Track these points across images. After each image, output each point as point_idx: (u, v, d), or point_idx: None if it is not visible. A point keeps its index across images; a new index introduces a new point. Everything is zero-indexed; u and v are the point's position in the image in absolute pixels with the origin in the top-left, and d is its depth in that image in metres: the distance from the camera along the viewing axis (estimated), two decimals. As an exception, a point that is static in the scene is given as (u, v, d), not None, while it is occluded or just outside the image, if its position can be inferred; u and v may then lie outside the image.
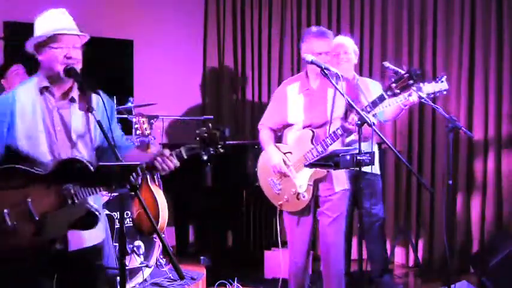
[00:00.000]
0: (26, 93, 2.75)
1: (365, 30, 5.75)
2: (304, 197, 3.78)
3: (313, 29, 3.88)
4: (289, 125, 3.91)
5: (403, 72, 4.17)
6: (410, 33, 5.53)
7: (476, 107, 5.27)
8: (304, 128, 3.83)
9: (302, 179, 3.79)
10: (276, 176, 3.88)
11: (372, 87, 4.59)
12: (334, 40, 4.59)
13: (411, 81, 3.44)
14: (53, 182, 2.70)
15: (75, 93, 2.84)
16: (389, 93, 3.51)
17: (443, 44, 5.40)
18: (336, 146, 3.75)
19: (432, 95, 4.02)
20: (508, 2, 5.13)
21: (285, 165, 3.83)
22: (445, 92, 4.04)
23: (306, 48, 3.79)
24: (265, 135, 4.00)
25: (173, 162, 2.86)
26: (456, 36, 5.33)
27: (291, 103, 3.89)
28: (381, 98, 3.55)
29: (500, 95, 5.20)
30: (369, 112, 3.57)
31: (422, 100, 4.13)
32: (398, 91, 3.49)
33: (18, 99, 2.75)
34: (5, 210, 2.65)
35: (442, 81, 4.01)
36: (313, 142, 3.76)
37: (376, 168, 4.64)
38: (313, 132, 3.78)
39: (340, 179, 3.84)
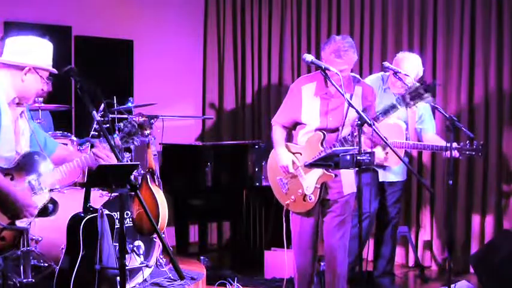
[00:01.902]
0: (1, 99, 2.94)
1: (365, 29, 5.74)
2: (310, 199, 3.77)
3: (333, 43, 3.67)
4: (301, 124, 3.86)
5: (403, 72, 4.21)
6: (410, 33, 5.53)
7: (476, 107, 5.27)
8: (316, 130, 3.80)
9: (310, 181, 3.77)
10: (284, 175, 3.87)
11: (421, 107, 4.48)
12: (398, 57, 4.52)
13: (426, 94, 3.52)
14: (17, 174, 2.91)
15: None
16: (402, 104, 3.58)
17: (443, 44, 5.40)
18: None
19: (467, 154, 4.09)
20: (508, 2, 5.12)
21: (293, 165, 3.82)
22: (480, 155, 4.11)
23: (326, 57, 3.68)
24: (277, 134, 3.94)
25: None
26: (456, 36, 5.32)
27: (306, 104, 3.82)
28: (393, 107, 3.59)
29: (501, 95, 5.19)
30: (379, 120, 3.58)
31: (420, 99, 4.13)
32: (411, 102, 3.55)
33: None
34: None
35: (481, 147, 4.11)
36: (323, 145, 3.73)
37: (403, 175, 4.72)
38: (324, 134, 3.75)
39: (350, 183, 3.82)
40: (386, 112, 3.60)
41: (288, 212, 3.94)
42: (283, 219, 3.92)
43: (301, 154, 3.82)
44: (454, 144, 4.05)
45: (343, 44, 3.66)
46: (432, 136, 4.54)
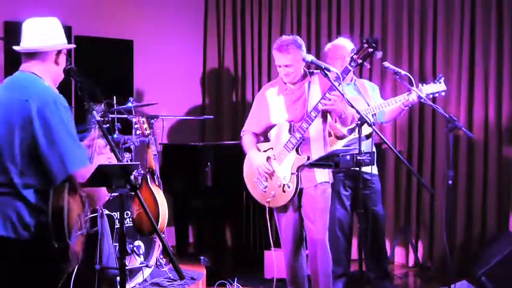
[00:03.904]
0: None
1: (365, 30, 5.74)
2: (289, 187, 3.84)
3: (278, 40, 3.91)
4: (272, 126, 4.00)
5: (403, 72, 4.22)
6: (410, 33, 5.53)
7: (476, 107, 5.27)
8: (284, 122, 3.92)
9: (285, 170, 3.86)
10: (262, 176, 3.94)
11: (370, 89, 4.61)
12: (335, 42, 4.62)
13: (371, 50, 3.64)
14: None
15: None
16: (352, 64, 3.71)
17: (443, 44, 5.40)
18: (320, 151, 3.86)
19: (431, 95, 4.11)
20: (508, 2, 5.12)
21: (267, 161, 3.92)
22: (443, 93, 4.22)
23: (273, 53, 3.92)
24: (246, 140, 4.09)
25: None
26: (456, 36, 5.33)
27: (272, 105, 3.99)
28: (346, 71, 3.72)
29: (500, 95, 5.19)
30: (339, 85, 3.65)
31: (422, 100, 4.17)
32: (360, 61, 3.68)
33: None
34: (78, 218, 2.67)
35: (440, 82, 4.15)
36: (291, 132, 3.85)
37: (374, 169, 4.65)
38: (289, 123, 3.87)
39: (322, 171, 3.89)
40: (338, 77, 3.68)
41: (271, 211, 4.01)
42: (267, 219, 3.98)
43: (272, 149, 3.94)
44: (414, 88, 4.13)
45: (286, 40, 3.86)
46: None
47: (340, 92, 3.60)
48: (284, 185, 3.85)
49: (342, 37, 4.75)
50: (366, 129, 4.18)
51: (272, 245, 4.08)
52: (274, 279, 4.22)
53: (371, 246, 4.75)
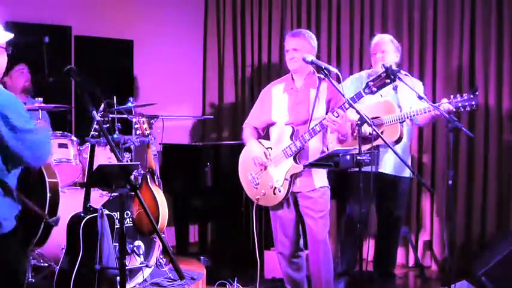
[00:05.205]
0: None
1: (365, 30, 5.74)
2: (280, 191, 3.86)
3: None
4: (273, 124, 4.01)
5: (403, 72, 4.22)
6: (410, 33, 5.53)
7: (476, 107, 5.26)
8: (287, 125, 3.93)
9: (279, 174, 3.87)
10: (256, 168, 3.95)
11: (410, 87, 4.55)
12: (377, 39, 4.67)
13: (388, 80, 3.57)
14: None
15: None
16: (366, 90, 3.63)
17: (443, 44, 5.40)
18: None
19: (462, 109, 4.02)
20: (508, 2, 5.12)
21: (265, 157, 3.93)
22: (474, 107, 4.02)
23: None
24: (247, 132, 4.13)
25: None
26: (456, 36, 5.33)
27: (275, 102, 4.00)
28: (359, 95, 3.66)
29: (500, 95, 5.19)
30: (347, 108, 3.64)
31: (426, 102, 4.15)
32: (375, 89, 3.61)
33: None
34: None
35: (474, 96, 4.02)
36: (293, 138, 3.85)
37: (406, 171, 4.65)
38: (293, 128, 3.87)
39: (320, 176, 3.91)
40: (353, 100, 3.65)
41: (260, 211, 4.02)
42: (254, 218, 4.01)
43: (271, 149, 3.96)
44: (445, 100, 4.06)
45: (300, 29, 4.00)
46: None
47: (340, 92, 3.59)
48: (275, 187, 3.87)
49: (381, 33, 4.81)
50: (394, 136, 4.19)
51: (257, 245, 4.11)
52: (263, 279, 4.22)
53: (382, 249, 4.75)
